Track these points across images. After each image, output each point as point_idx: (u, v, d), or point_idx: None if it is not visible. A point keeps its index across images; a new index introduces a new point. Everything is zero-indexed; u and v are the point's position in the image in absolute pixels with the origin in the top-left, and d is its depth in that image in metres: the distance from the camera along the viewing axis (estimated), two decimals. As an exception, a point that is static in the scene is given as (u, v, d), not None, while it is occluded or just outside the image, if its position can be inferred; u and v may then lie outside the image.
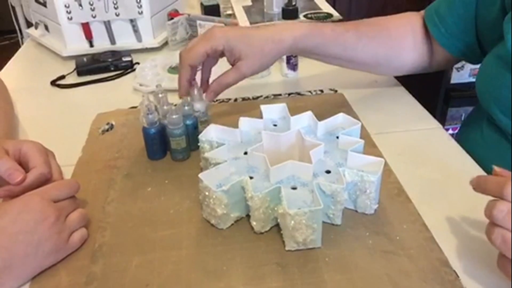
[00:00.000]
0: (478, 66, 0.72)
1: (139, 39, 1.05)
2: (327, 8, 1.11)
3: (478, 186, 0.46)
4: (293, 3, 0.87)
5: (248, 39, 0.68)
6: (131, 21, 1.03)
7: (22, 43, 1.32)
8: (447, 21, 0.74)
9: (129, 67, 0.98)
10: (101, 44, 1.03)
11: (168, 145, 0.66)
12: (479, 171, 0.63)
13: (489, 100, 0.65)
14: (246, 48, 0.67)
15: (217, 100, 0.83)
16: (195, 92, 0.70)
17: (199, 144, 0.62)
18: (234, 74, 0.69)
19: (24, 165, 0.56)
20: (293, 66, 0.92)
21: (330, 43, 0.73)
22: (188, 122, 0.66)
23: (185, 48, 0.68)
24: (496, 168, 0.46)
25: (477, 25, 0.72)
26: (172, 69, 0.95)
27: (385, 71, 0.84)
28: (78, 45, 1.03)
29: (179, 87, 0.69)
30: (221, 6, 1.14)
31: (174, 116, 0.62)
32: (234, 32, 0.68)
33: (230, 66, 0.71)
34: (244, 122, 0.64)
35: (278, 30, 0.70)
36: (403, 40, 0.79)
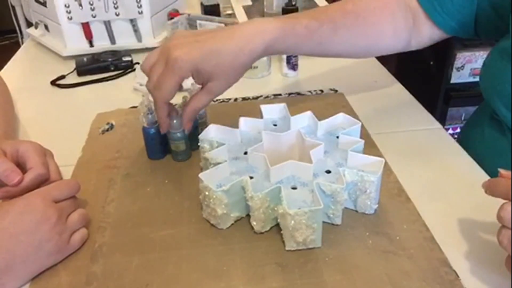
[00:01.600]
0: (478, 65, 0.72)
1: (139, 39, 1.05)
2: (327, 8, 1.11)
3: (488, 188, 0.46)
4: (293, 3, 0.86)
5: (216, 57, 0.59)
6: (131, 21, 1.03)
7: (22, 43, 1.32)
8: None
9: (129, 67, 0.98)
10: (101, 44, 1.03)
11: (168, 146, 0.66)
12: (479, 171, 0.64)
13: (493, 94, 0.65)
14: (215, 68, 0.60)
15: (217, 100, 0.83)
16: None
17: (199, 144, 0.62)
18: (206, 97, 0.62)
19: (22, 166, 0.56)
20: (293, 66, 0.92)
21: (304, 42, 0.67)
22: (188, 122, 0.66)
23: (151, 83, 0.61)
24: (502, 171, 0.46)
25: (482, 6, 0.69)
26: (172, 69, 0.95)
27: (363, 57, 0.82)
28: (78, 45, 1.03)
29: (161, 124, 0.63)
30: (221, 6, 1.14)
31: (174, 121, 0.62)
32: (199, 51, 0.59)
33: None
34: (244, 122, 0.64)
35: (247, 37, 0.61)
36: (382, 27, 0.73)
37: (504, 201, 0.43)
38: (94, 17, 1.00)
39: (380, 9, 0.73)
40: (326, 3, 1.15)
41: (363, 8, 0.72)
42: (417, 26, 0.75)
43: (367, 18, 0.71)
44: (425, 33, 0.75)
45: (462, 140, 0.79)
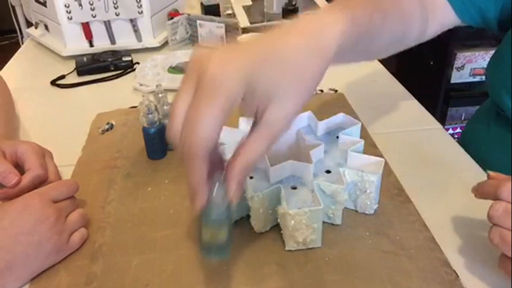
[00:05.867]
0: (478, 65, 0.71)
1: (139, 39, 1.05)
2: (327, 8, 1.11)
3: (477, 192, 0.47)
4: (293, 3, 0.86)
5: (277, 61, 0.38)
6: (131, 20, 1.03)
7: (22, 43, 1.32)
8: None
9: (129, 67, 0.98)
10: (101, 44, 1.03)
11: (169, 146, 0.66)
12: (479, 171, 0.64)
13: (501, 88, 0.64)
14: (277, 78, 0.38)
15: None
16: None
17: (199, 144, 0.62)
18: (265, 137, 0.39)
19: (20, 167, 0.56)
20: (293, 66, 0.92)
21: (364, 34, 0.49)
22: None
23: (173, 125, 0.38)
24: (490, 173, 0.48)
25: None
26: (172, 69, 0.95)
27: (393, 53, 0.67)
28: (78, 45, 1.03)
29: (194, 196, 0.39)
30: (221, 6, 1.14)
31: (214, 193, 0.42)
32: (248, 55, 0.38)
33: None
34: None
35: (312, 33, 0.41)
36: (413, 13, 0.63)
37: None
38: (94, 17, 1.00)
39: None
40: (326, 2, 1.15)
41: None
42: (434, 12, 0.66)
43: (402, 3, 0.60)
44: (440, 20, 0.67)
45: (465, 136, 0.79)
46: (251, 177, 0.54)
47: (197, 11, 1.17)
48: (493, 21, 0.67)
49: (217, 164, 0.37)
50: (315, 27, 0.41)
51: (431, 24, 0.67)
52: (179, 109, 0.37)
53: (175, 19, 1.04)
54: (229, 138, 0.62)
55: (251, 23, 1.02)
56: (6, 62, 1.05)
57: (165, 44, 1.08)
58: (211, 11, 1.10)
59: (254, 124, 0.39)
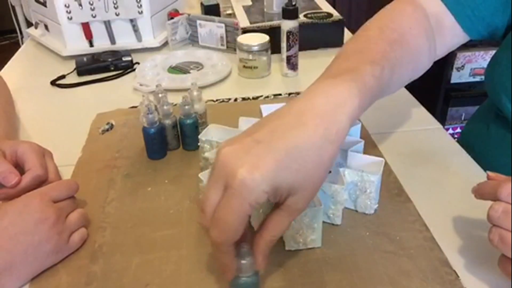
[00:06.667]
0: (478, 65, 0.71)
1: (139, 39, 1.05)
2: (327, 8, 1.11)
3: (477, 192, 0.47)
4: (293, 3, 0.86)
5: (296, 159, 0.41)
6: (131, 21, 1.03)
7: (22, 43, 1.32)
8: (476, 1, 0.65)
9: (129, 67, 0.98)
10: (101, 44, 1.03)
11: (169, 146, 0.66)
12: (479, 171, 0.64)
13: (500, 91, 0.64)
14: (298, 175, 0.41)
15: (217, 100, 0.83)
16: (195, 93, 0.70)
17: (199, 144, 0.62)
18: (287, 218, 0.44)
19: (21, 167, 0.56)
20: (293, 66, 0.92)
21: (374, 94, 0.52)
22: (188, 121, 0.66)
23: (204, 218, 0.42)
24: (490, 174, 0.48)
25: None
26: (172, 69, 0.95)
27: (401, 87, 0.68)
28: (78, 45, 1.03)
29: (225, 270, 0.44)
30: (221, 6, 1.14)
31: (243, 261, 0.45)
32: (272, 159, 0.40)
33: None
34: (244, 122, 0.64)
35: (326, 118, 0.43)
36: (421, 48, 0.64)
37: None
38: (94, 17, 1.00)
39: (415, 28, 0.64)
40: (326, 3, 1.15)
41: (402, 32, 0.61)
42: (442, 33, 0.68)
43: (409, 43, 0.61)
44: (449, 40, 0.69)
45: (465, 136, 0.79)
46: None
47: (197, 11, 1.17)
48: (500, 33, 0.68)
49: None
50: (328, 110, 0.43)
51: (438, 50, 0.68)
52: (210, 205, 0.41)
53: (175, 19, 1.04)
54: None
55: (251, 23, 1.02)
56: (6, 62, 1.05)
57: (165, 44, 1.08)
58: (211, 11, 1.10)
59: (276, 205, 0.44)
